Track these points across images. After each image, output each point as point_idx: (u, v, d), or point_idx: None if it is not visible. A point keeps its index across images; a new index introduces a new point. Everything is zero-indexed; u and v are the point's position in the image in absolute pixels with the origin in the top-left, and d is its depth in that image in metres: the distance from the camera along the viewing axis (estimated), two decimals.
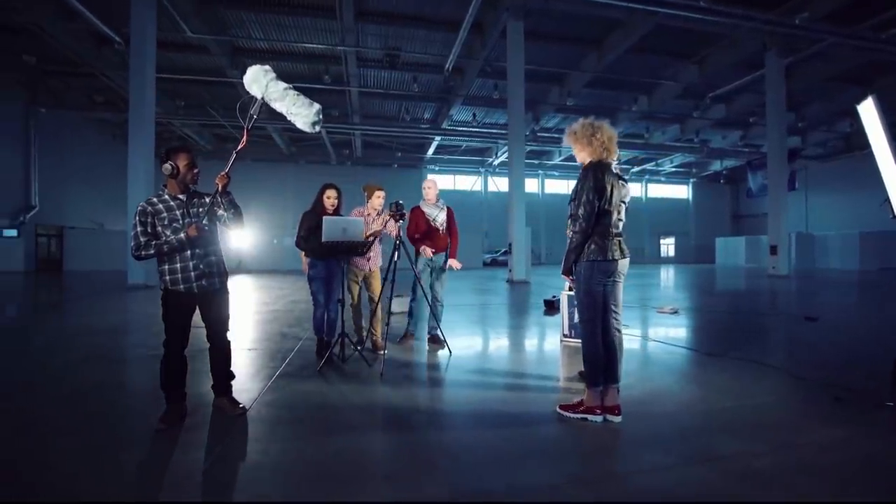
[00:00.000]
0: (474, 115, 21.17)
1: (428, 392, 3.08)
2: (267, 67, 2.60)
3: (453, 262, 4.45)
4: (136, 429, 2.37)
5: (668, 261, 34.24)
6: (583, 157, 2.60)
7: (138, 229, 2.45)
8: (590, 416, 2.51)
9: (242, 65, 16.79)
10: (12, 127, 18.72)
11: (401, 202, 3.94)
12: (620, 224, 2.74)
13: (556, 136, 24.98)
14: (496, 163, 28.24)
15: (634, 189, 34.10)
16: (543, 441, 2.26)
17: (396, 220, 3.95)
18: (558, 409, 2.62)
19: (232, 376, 2.73)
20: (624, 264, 2.86)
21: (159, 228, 2.48)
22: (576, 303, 2.59)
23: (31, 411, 2.73)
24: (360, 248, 3.87)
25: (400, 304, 6.20)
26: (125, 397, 2.99)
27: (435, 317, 4.40)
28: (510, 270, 13.78)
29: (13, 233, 19.12)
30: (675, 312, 6.82)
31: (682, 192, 35.52)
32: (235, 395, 2.80)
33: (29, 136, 19.18)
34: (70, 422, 2.55)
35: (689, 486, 1.81)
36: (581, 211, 2.44)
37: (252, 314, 6.96)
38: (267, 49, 15.93)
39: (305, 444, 2.23)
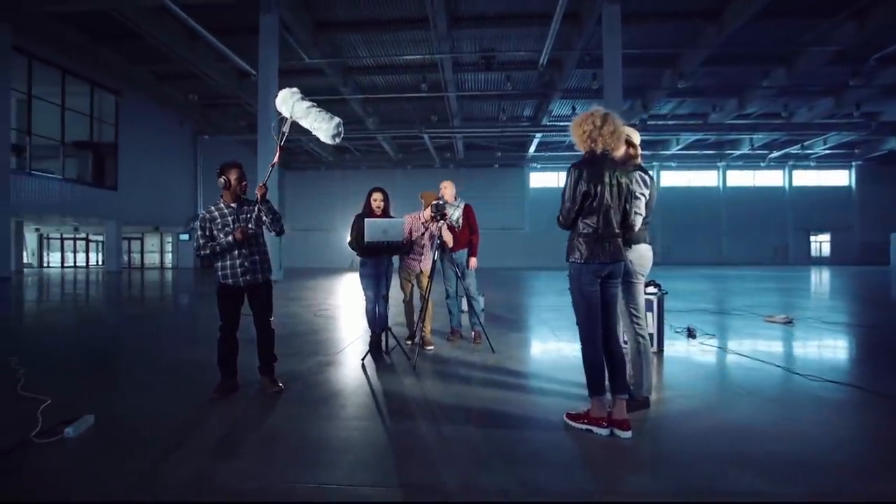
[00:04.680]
0: (574, 108, 20.22)
1: (448, 387, 3.15)
2: (294, 89, 2.95)
3: (472, 262, 4.49)
4: (195, 396, 2.89)
5: (820, 262, 28.53)
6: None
7: (199, 233, 2.98)
8: (595, 428, 2.35)
9: (353, 82, 18.52)
10: (186, 153, 23.78)
11: (441, 203, 4.07)
12: (639, 220, 2.52)
13: (670, 123, 22.58)
14: None
15: (773, 178, 29.11)
16: (531, 447, 2.19)
17: (437, 221, 4.09)
18: (565, 418, 2.50)
19: (274, 359, 3.14)
20: (643, 265, 2.62)
21: (215, 232, 2.98)
22: (572, 306, 2.43)
23: (131, 375, 3.50)
24: (403, 247, 4.08)
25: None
26: (199, 371, 3.51)
27: (476, 314, 4.44)
28: None
29: (185, 237, 23.96)
30: (789, 323, 5.77)
31: (840, 178, 29.20)
32: (286, 376, 3.24)
33: (196, 158, 24.09)
34: (153, 386, 3.22)
35: None
36: (564, 207, 2.32)
37: (343, 309, 7.72)
38: (373, 65, 17.22)
39: (310, 422, 2.49)
